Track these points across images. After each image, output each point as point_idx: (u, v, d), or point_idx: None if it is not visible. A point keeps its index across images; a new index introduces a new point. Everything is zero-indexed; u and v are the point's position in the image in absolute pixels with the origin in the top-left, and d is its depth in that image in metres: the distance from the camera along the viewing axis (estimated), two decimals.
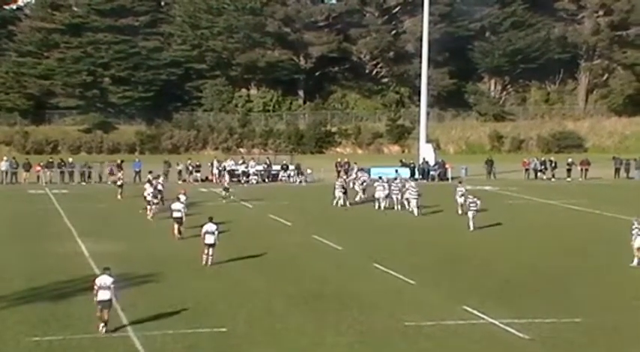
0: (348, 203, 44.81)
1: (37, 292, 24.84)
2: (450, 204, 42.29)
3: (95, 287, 21.19)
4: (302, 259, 30.75)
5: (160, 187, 42.94)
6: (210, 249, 28.74)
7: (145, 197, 40.27)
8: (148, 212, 39.65)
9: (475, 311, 22.87)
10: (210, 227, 28.82)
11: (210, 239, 28.66)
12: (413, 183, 44.67)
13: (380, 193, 43.90)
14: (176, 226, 34.33)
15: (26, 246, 32.60)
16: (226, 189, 47.60)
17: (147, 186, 41.47)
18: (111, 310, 21.15)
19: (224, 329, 21.24)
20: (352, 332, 21.16)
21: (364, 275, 27.79)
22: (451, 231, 37.02)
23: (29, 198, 49.15)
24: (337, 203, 44.81)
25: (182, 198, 35.49)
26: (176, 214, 34.43)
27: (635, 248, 29.28)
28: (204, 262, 28.72)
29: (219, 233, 29.32)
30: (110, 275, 21.34)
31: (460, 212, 40.39)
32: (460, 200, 40.89)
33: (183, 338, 20.64)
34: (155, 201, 40.27)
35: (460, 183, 42.59)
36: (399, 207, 43.48)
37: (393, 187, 44.21)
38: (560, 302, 24.31)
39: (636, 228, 29.25)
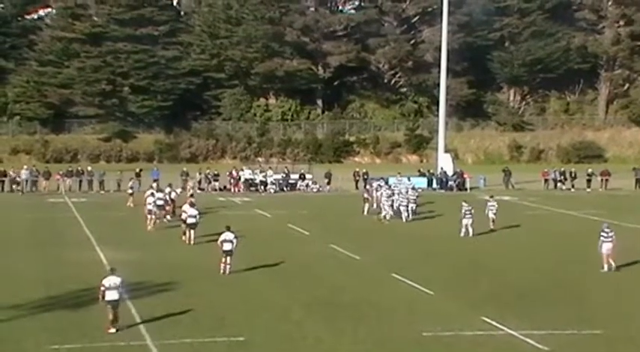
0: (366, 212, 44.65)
1: (55, 300, 24.91)
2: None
3: (102, 288, 21.62)
4: (319, 268, 30.70)
5: (173, 195, 42.85)
6: (228, 258, 28.78)
7: (147, 207, 39.83)
8: (148, 222, 39.16)
9: (494, 322, 22.73)
10: (228, 235, 28.91)
11: (227, 246, 28.75)
12: (404, 190, 44.67)
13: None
14: (190, 232, 34.69)
15: (45, 254, 32.74)
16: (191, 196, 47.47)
17: (148, 195, 41.40)
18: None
19: (241, 338, 21.21)
20: (369, 342, 21.08)
21: (382, 285, 27.70)
22: (470, 241, 36.86)
23: (49, 206, 49.40)
24: (385, 216, 43.00)
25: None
26: (190, 220, 34.75)
27: (602, 254, 29.82)
28: (221, 271, 28.76)
29: (237, 240, 29.32)
30: (118, 275, 21.84)
31: (492, 227, 38.98)
32: (492, 215, 39.36)
33: (200, 346, 20.63)
34: (157, 211, 39.90)
35: (491, 197, 40.67)
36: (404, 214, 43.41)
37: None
38: (580, 313, 24.13)
39: (604, 233, 29.86)
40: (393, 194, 44.15)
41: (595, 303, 25.45)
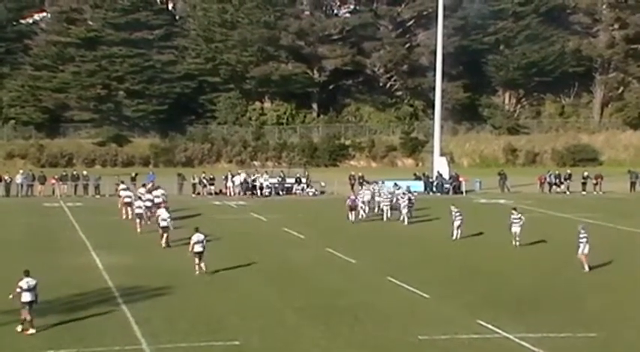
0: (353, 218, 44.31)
1: (51, 305, 24.83)
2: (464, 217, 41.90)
3: (18, 290, 21.95)
4: (315, 272, 30.69)
5: (157, 200, 42.56)
6: (201, 259, 29.20)
7: (136, 213, 40.07)
8: (138, 226, 39.35)
9: (489, 325, 22.75)
10: (198, 237, 29.37)
11: (198, 248, 29.23)
12: (385, 190, 45.68)
13: (366, 198, 45.94)
14: (165, 235, 34.85)
15: (41, 259, 32.61)
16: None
17: (126, 195, 41.75)
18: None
19: (237, 343, 21.19)
20: (365, 346, 21.07)
21: (378, 289, 27.69)
22: (465, 244, 36.87)
23: (44, 210, 49.35)
24: (386, 217, 43.90)
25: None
26: (162, 223, 34.97)
27: (581, 254, 30.34)
28: (197, 272, 29.03)
29: (207, 241, 29.70)
30: (33, 277, 22.26)
31: (515, 243, 35.47)
32: (516, 229, 35.53)
33: (196, 351, 20.60)
34: (146, 214, 40.10)
35: (514, 209, 36.51)
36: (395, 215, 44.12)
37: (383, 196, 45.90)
38: (575, 316, 24.15)
39: (582, 235, 30.37)
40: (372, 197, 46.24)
41: (590, 306, 25.47)
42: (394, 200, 45.30)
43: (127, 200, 43.87)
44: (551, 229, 42.66)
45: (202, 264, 29.28)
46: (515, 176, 64.89)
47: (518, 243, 35.52)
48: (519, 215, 35.89)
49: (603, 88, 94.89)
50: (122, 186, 48.62)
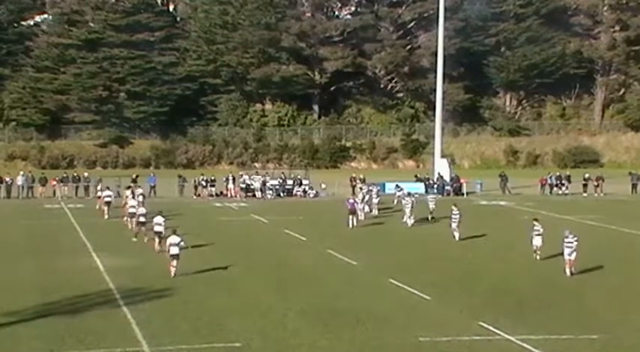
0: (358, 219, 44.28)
1: (52, 307, 24.85)
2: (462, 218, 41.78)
3: None
4: (316, 274, 30.67)
5: (141, 198, 42.43)
6: (175, 261, 28.95)
7: (129, 212, 39.98)
8: (130, 225, 39.47)
9: (491, 327, 22.72)
10: (174, 239, 29.10)
11: (174, 250, 28.92)
12: (404, 193, 46.03)
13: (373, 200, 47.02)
14: (157, 240, 34.39)
15: (42, 261, 32.68)
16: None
17: (129, 198, 41.83)
18: None
19: (238, 344, 21.17)
20: (367, 348, 21.05)
21: (379, 291, 27.67)
22: (467, 246, 36.85)
23: (45, 212, 49.34)
24: (407, 220, 43.26)
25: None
26: (157, 228, 34.37)
27: (566, 259, 29.98)
28: (172, 274, 28.83)
29: (184, 246, 29.48)
30: None
31: (538, 257, 32.87)
32: (537, 242, 32.70)
33: None
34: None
35: (537, 220, 33.82)
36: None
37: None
38: (577, 318, 24.13)
39: (568, 240, 29.96)
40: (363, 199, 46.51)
41: (592, 308, 25.45)
42: (414, 203, 44.42)
43: (107, 199, 45.12)
44: (552, 231, 42.58)
45: (174, 266, 28.82)
46: (516, 178, 64.92)
47: (539, 257, 33.00)
48: (540, 226, 33.26)
49: (604, 89, 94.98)
50: (100, 185, 48.90)
